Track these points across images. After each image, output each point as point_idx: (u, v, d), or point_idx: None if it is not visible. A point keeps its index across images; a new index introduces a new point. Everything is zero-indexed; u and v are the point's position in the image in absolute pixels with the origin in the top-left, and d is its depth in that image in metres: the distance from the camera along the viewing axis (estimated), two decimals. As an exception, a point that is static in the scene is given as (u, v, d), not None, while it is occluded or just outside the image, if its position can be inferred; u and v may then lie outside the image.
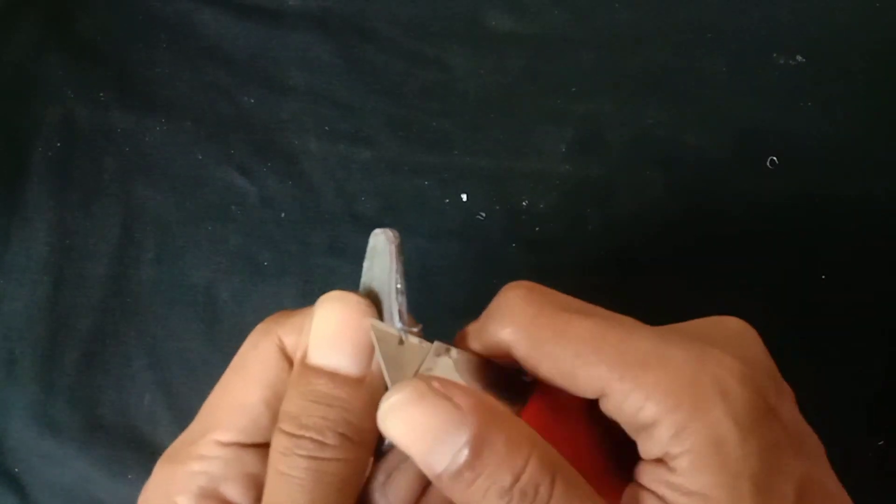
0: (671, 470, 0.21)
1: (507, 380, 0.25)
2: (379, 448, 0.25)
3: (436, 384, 0.21)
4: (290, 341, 0.25)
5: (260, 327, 0.25)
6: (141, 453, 0.41)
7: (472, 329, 0.25)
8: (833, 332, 0.43)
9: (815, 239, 0.44)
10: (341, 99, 0.48)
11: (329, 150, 0.47)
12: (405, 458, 0.24)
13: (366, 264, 0.25)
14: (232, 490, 0.24)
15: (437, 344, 0.24)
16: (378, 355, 0.23)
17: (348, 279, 0.44)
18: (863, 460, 0.40)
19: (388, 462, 0.24)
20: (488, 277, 0.44)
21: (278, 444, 0.23)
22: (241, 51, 0.50)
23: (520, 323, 0.23)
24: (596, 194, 0.46)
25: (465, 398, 0.21)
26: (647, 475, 0.22)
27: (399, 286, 0.23)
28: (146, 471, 0.42)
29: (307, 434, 0.22)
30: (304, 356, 0.24)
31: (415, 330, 0.24)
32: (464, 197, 0.46)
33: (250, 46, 0.50)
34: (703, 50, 0.49)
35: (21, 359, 0.43)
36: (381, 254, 0.24)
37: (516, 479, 0.20)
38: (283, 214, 0.46)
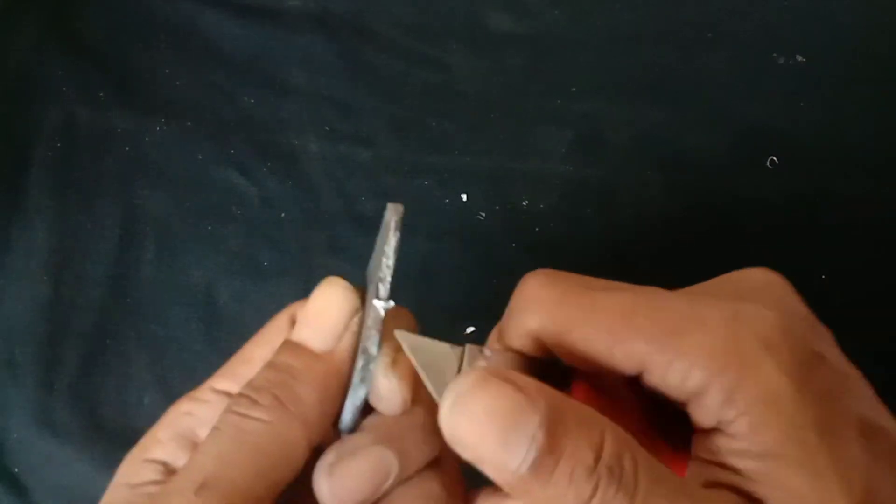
0: (730, 436, 0.20)
1: (544, 371, 0.24)
2: (335, 432, 0.24)
3: (497, 372, 0.20)
4: None
5: (285, 308, 0.26)
6: (141, 453, 0.41)
7: (500, 327, 0.24)
8: (833, 331, 0.43)
9: (815, 239, 0.44)
10: (341, 99, 0.48)
11: (329, 150, 0.47)
12: (363, 446, 0.23)
13: (377, 240, 0.25)
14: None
15: (469, 347, 0.24)
16: (417, 367, 0.23)
17: (348, 279, 0.44)
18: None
19: (343, 445, 0.23)
20: (488, 277, 0.44)
21: (228, 403, 0.23)
22: (241, 51, 0.50)
23: (545, 310, 0.22)
24: (596, 194, 0.46)
25: (531, 382, 0.20)
26: (706, 447, 0.21)
27: (387, 262, 0.23)
28: (146, 471, 0.42)
29: (247, 392, 0.23)
30: (290, 333, 0.25)
31: (389, 305, 0.23)
32: (464, 197, 0.46)
33: (250, 46, 0.50)
34: (703, 50, 0.49)
35: (21, 359, 0.43)
36: (382, 230, 0.24)
37: (598, 455, 0.19)
38: (283, 214, 0.46)
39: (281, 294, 0.44)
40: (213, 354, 0.43)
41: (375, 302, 0.23)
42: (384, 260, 0.23)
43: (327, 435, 0.24)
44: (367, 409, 0.24)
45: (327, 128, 0.48)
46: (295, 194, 0.46)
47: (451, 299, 0.43)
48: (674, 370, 0.21)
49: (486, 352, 0.24)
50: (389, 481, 0.23)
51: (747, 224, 0.45)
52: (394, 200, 0.46)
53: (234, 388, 0.25)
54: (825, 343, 0.22)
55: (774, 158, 0.46)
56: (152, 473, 0.24)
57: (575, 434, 0.19)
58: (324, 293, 0.25)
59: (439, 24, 0.50)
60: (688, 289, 0.23)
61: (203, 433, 0.24)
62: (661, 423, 0.24)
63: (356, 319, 0.24)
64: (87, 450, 0.41)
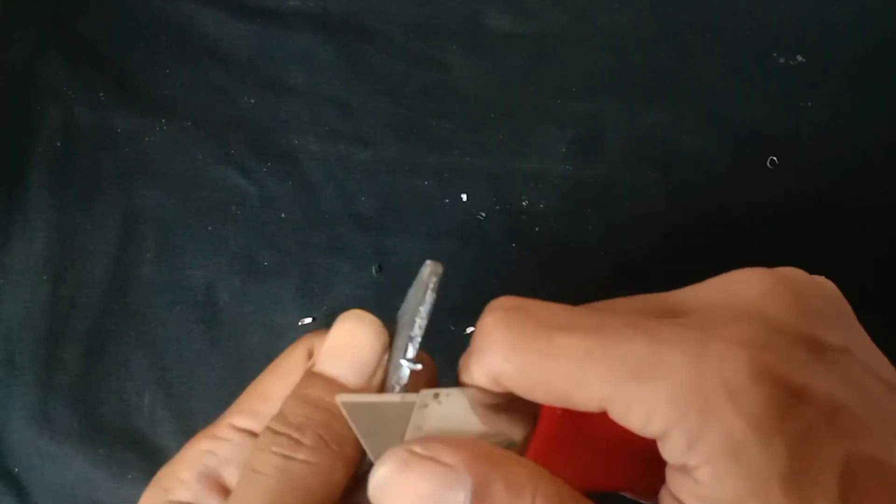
0: (695, 481, 0.20)
1: (514, 398, 0.23)
2: (357, 474, 0.24)
3: (417, 448, 0.20)
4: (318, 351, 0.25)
5: (299, 339, 0.26)
6: (141, 453, 0.41)
7: (463, 362, 0.23)
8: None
9: (815, 239, 0.44)
10: (341, 99, 0.48)
11: (329, 150, 0.47)
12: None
13: (410, 291, 0.25)
14: (233, 475, 0.24)
15: (423, 393, 0.22)
16: (357, 434, 0.22)
17: (348, 279, 0.44)
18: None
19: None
20: (488, 277, 0.44)
21: (260, 440, 0.23)
22: (241, 51, 0.50)
23: (501, 353, 0.21)
24: (596, 194, 0.46)
25: (454, 454, 0.20)
26: (675, 482, 0.21)
27: (420, 323, 0.23)
28: (146, 471, 0.42)
29: (286, 431, 0.22)
30: (313, 364, 0.24)
31: (416, 368, 0.23)
32: (464, 197, 0.46)
33: (250, 46, 0.50)
34: (703, 50, 0.49)
35: (21, 359, 0.43)
36: (417, 284, 0.24)
37: None
38: (283, 214, 0.46)
39: (281, 294, 0.44)
40: (213, 354, 0.43)
41: (403, 362, 0.23)
42: (417, 320, 0.23)
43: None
44: None
45: (327, 128, 0.48)
46: (295, 194, 0.46)
47: (451, 299, 0.43)
48: (634, 413, 0.20)
49: (442, 395, 0.22)
50: None
51: (747, 224, 0.45)
52: (394, 200, 0.47)
53: (256, 426, 0.25)
54: (815, 367, 0.21)
55: (774, 159, 0.46)
56: None
57: (502, 502, 0.19)
58: (355, 328, 0.24)
59: (439, 24, 0.50)
60: (664, 310, 0.22)
61: (227, 472, 0.24)
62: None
63: (386, 358, 0.24)
64: (86, 450, 0.41)
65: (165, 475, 0.25)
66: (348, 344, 0.24)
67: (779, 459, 0.19)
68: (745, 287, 0.22)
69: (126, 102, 0.48)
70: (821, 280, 0.25)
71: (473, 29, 0.50)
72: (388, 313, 0.26)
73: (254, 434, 0.25)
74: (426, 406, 0.22)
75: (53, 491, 0.41)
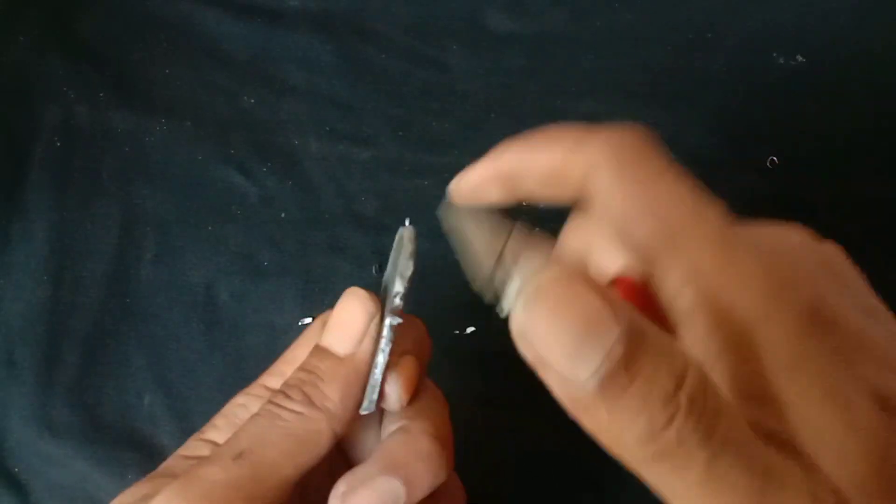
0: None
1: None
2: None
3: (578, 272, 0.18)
4: None
5: (320, 315, 0.30)
6: (141, 453, 0.41)
7: (556, 139, 0.23)
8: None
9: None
10: (341, 99, 0.48)
11: (329, 150, 0.47)
12: (372, 476, 0.26)
13: (391, 256, 0.29)
14: None
15: (519, 224, 0.24)
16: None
17: (348, 279, 0.44)
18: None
19: (354, 476, 0.26)
20: (488, 277, 0.44)
21: (269, 397, 0.27)
22: (241, 51, 0.50)
23: (619, 158, 0.21)
24: (596, 194, 0.45)
25: (611, 292, 0.17)
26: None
27: (398, 288, 0.26)
28: (146, 471, 0.42)
29: (283, 389, 0.27)
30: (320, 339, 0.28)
31: (396, 321, 0.27)
32: (464, 197, 0.46)
33: (250, 46, 0.50)
34: (703, 50, 0.49)
35: (21, 359, 0.43)
36: (396, 250, 0.28)
37: (680, 384, 0.16)
38: (283, 214, 0.46)
39: (281, 294, 0.44)
40: (213, 354, 0.43)
41: (387, 318, 0.27)
42: (398, 280, 0.27)
43: (349, 423, 0.27)
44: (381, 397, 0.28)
45: (327, 128, 0.48)
46: (295, 194, 0.46)
47: (451, 299, 0.43)
48: (669, 281, 0.20)
49: (538, 233, 0.24)
50: None
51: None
52: (394, 200, 0.47)
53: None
54: (851, 312, 0.21)
55: (774, 158, 0.46)
56: (204, 449, 0.28)
57: (656, 357, 0.16)
58: (345, 303, 0.28)
59: (439, 24, 0.50)
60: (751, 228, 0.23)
61: None
62: None
63: (374, 325, 0.27)
64: (86, 450, 0.41)
65: (207, 424, 0.29)
66: (342, 318, 0.27)
67: (812, 359, 0.18)
68: (792, 238, 0.25)
69: (126, 102, 0.48)
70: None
71: (473, 29, 0.50)
72: (388, 313, 0.28)
73: None
74: (527, 233, 0.24)
75: (53, 491, 0.41)
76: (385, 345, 0.27)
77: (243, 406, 0.29)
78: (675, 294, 0.19)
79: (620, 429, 0.17)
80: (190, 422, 0.41)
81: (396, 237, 0.28)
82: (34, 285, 0.44)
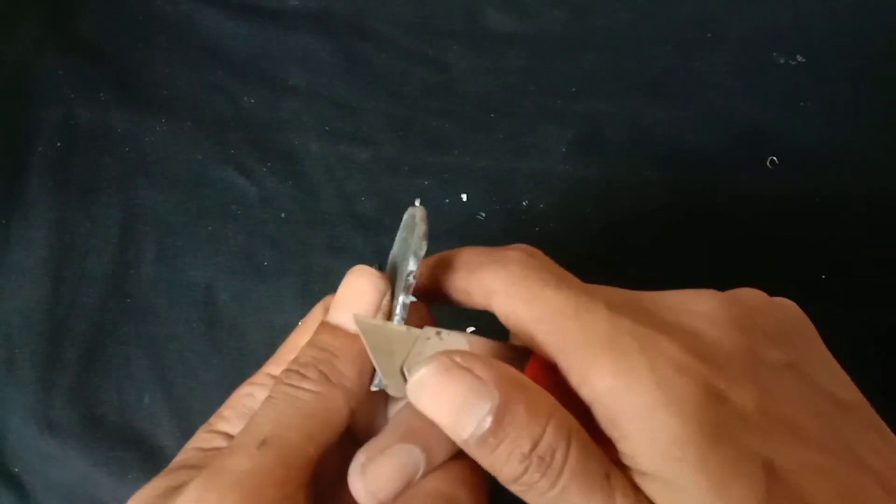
0: (620, 451, 0.23)
1: (498, 351, 0.27)
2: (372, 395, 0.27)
3: (458, 358, 0.23)
4: None
5: (321, 300, 0.30)
6: (141, 453, 0.41)
7: (476, 271, 0.27)
8: (833, 331, 0.43)
9: (815, 239, 0.44)
10: (341, 99, 0.48)
11: (329, 150, 0.47)
12: (391, 444, 0.26)
13: (399, 234, 0.28)
14: None
15: (426, 329, 0.26)
16: (367, 349, 0.25)
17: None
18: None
19: (373, 445, 0.26)
20: (488, 277, 0.44)
21: (278, 377, 0.27)
22: (241, 51, 0.50)
23: (508, 280, 0.25)
24: (596, 194, 0.46)
25: (487, 370, 0.23)
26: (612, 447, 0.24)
27: (412, 266, 0.26)
28: (146, 471, 0.42)
29: (296, 368, 0.27)
30: (325, 317, 0.28)
31: (410, 300, 0.26)
32: (464, 197, 0.46)
33: (250, 46, 0.50)
34: (703, 50, 0.49)
35: (21, 359, 0.43)
36: (405, 228, 0.27)
37: (535, 446, 0.22)
38: (283, 214, 0.46)
39: (281, 294, 0.44)
40: (213, 354, 0.43)
41: (400, 295, 0.26)
42: (412, 259, 0.26)
43: (363, 399, 0.27)
44: None
45: (327, 128, 0.48)
46: (295, 194, 0.46)
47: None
48: (573, 374, 0.23)
49: (444, 334, 0.26)
50: (419, 475, 0.26)
51: (747, 224, 0.45)
52: (394, 200, 0.47)
53: None
54: (741, 383, 0.23)
55: (774, 158, 0.46)
56: (218, 440, 0.28)
57: (518, 425, 0.22)
58: (355, 280, 0.28)
59: (439, 24, 0.50)
60: (630, 300, 0.25)
61: None
62: None
63: (386, 301, 0.27)
64: (86, 449, 0.41)
65: (213, 416, 0.29)
66: (351, 295, 0.27)
67: (694, 444, 0.21)
68: (699, 305, 0.25)
69: (126, 102, 0.48)
70: (781, 302, 0.27)
71: (473, 29, 0.50)
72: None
73: None
74: (429, 339, 0.26)
75: (53, 491, 0.41)
76: (398, 322, 0.27)
77: (250, 395, 0.29)
78: (578, 386, 0.23)
79: (494, 470, 0.22)
80: (190, 421, 0.42)
81: (406, 216, 0.28)
82: (34, 285, 0.44)
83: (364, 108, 0.48)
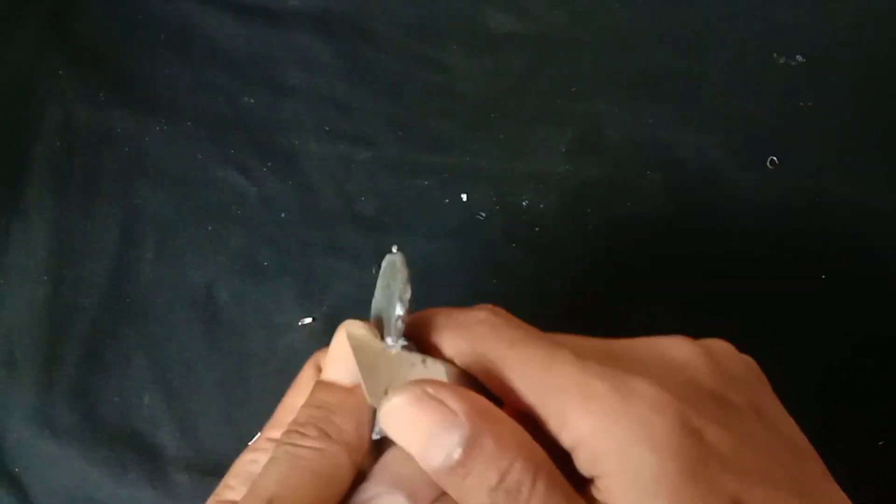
0: (597, 489, 0.23)
1: (479, 384, 0.27)
2: (372, 450, 0.27)
3: (430, 389, 0.23)
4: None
5: (310, 358, 0.30)
6: (141, 453, 0.41)
7: (445, 333, 0.27)
8: (833, 331, 0.43)
9: (815, 239, 0.44)
10: (341, 99, 0.48)
11: (329, 150, 0.47)
12: (378, 494, 0.26)
13: (379, 282, 0.29)
14: None
15: (414, 355, 0.27)
16: (357, 366, 0.26)
17: (348, 279, 0.44)
18: (863, 460, 0.40)
19: (360, 496, 0.26)
20: (488, 277, 0.44)
21: (279, 439, 0.27)
22: (241, 51, 0.50)
23: (478, 340, 0.26)
24: (596, 194, 0.46)
25: (458, 402, 0.23)
26: (590, 485, 0.24)
27: (399, 311, 0.26)
28: (146, 471, 0.42)
29: (295, 428, 0.27)
30: (321, 375, 0.29)
31: (401, 342, 0.27)
32: (464, 197, 0.46)
33: (250, 46, 0.50)
34: (703, 50, 0.49)
35: (21, 359, 0.43)
36: (386, 275, 0.28)
37: (502, 479, 0.22)
38: (283, 214, 0.46)
39: (281, 294, 0.44)
40: (213, 354, 0.43)
41: (388, 342, 0.27)
42: (398, 305, 0.26)
43: (366, 450, 0.27)
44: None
45: (327, 128, 0.48)
46: (295, 194, 0.46)
47: (451, 299, 0.43)
48: (551, 422, 0.24)
49: (428, 362, 0.27)
50: None
51: (747, 224, 0.45)
52: (394, 200, 0.47)
53: None
54: (714, 421, 0.24)
55: (774, 158, 0.46)
56: None
57: (486, 457, 0.22)
58: (343, 336, 0.28)
59: (439, 24, 0.50)
60: (599, 348, 0.26)
61: None
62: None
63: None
64: (87, 450, 0.41)
65: (219, 486, 0.29)
66: (340, 351, 0.27)
67: (672, 478, 0.22)
68: (670, 350, 0.26)
69: (126, 102, 0.48)
70: (743, 355, 0.28)
71: (473, 29, 0.50)
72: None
73: None
74: (413, 365, 0.26)
75: (53, 491, 0.41)
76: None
77: (254, 461, 0.29)
78: (557, 434, 0.24)
79: (463, 500, 0.23)
80: (190, 422, 0.42)
81: (384, 263, 0.28)
82: (34, 285, 0.44)
83: (364, 109, 0.48)
